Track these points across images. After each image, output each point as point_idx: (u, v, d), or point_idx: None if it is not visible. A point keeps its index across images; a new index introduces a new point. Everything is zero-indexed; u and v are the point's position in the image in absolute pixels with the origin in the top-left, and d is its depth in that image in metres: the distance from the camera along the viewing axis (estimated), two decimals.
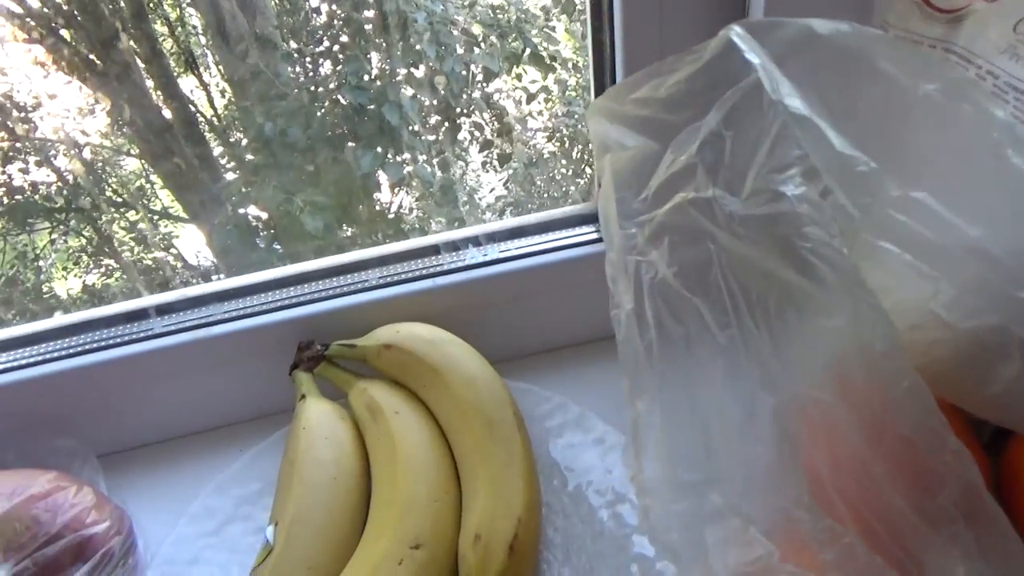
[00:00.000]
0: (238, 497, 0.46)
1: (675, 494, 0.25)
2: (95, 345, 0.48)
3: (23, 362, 0.48)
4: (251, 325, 0.49)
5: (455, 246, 0.53)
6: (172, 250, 2.27)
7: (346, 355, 0.49)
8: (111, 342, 0.48)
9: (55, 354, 0.48)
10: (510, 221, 0.54)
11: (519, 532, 0.38)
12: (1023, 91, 0.37)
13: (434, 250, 0.53)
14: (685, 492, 0.25)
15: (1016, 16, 0.36)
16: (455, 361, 0.46)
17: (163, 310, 0.50)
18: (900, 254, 0.28)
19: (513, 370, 0.53)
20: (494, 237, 0.53)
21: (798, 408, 0.28)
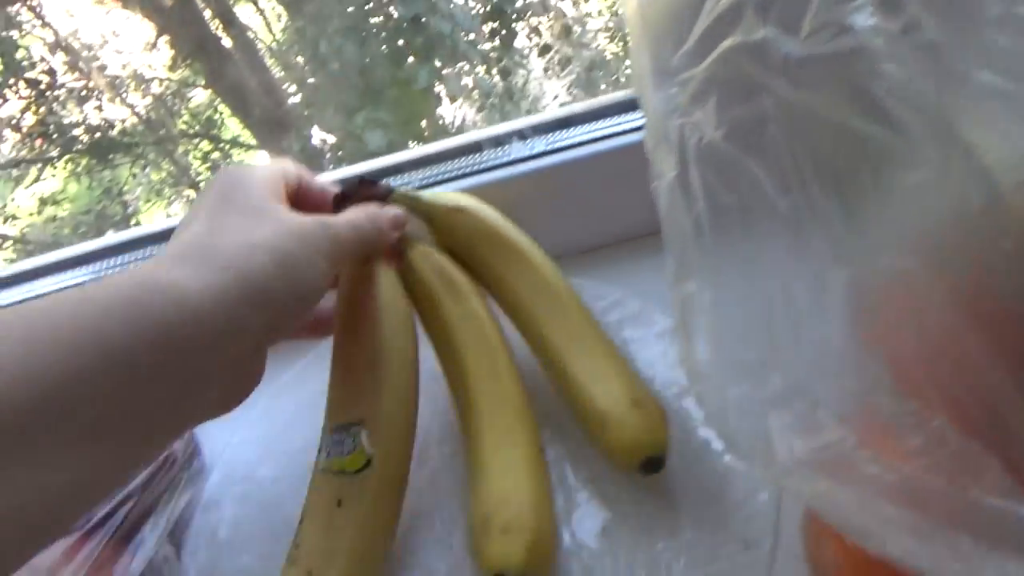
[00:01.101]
0: (300, 400, 0.46)
1: (732, 378, 0.22)
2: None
3: (85, 279, 0.49)
4: None
5: (499, 142, 0.49)
6: None
7: (410, 205, 0.42)
8: None
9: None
10: (557, 111, 0.50)
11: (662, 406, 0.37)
12: None
13: (476, 147, 0.50)
14: (743, 375, 0.22)
15: None
16: (532, 244, 0.42)
17: None
18: (1002, 86, 0.23)
19: (566, 267, 0.51)
20: (540, 129, 0.49)
21: (877, 281, 0.24)
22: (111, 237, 0.50)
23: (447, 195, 0.44)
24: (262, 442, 0.45)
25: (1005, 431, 0.23)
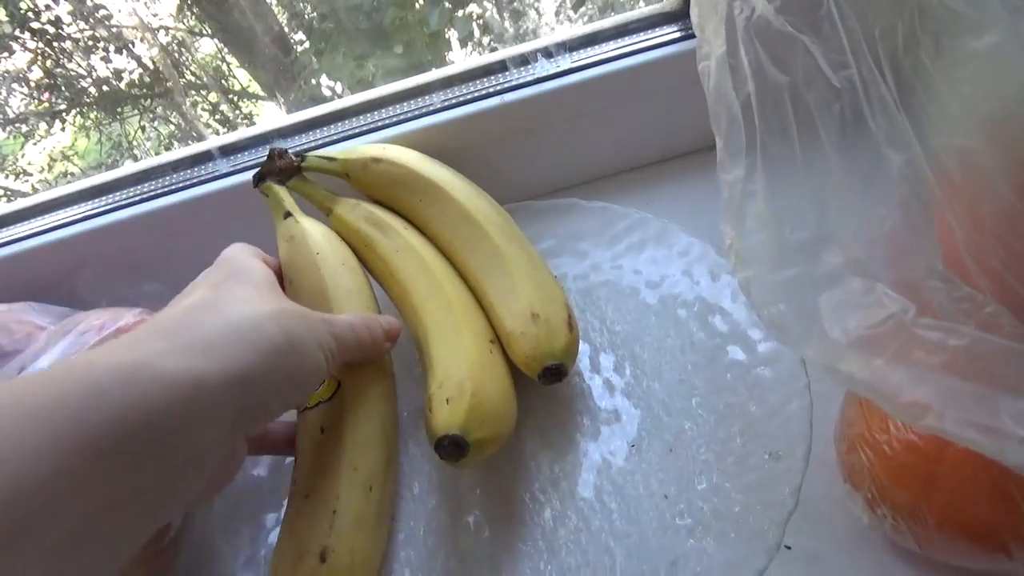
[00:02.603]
0: None
1: (782, 259, 0.21)
2: (164, 189, 0.48)
3: (100, 210, 0.49)
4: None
5: (524, 60, 0.48)
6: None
7: (324, 168, 0.44)
8: (179, 185, 0.47)
9: (129, 200, 0.48)
10: (583, 27, 0.48)
11: (571, 314, 0.39)
12: None
13: (501, 66, 0.48)
14: (794, 256, 0.21)
15: None
16: (450, 177, 0.43)
17: (226, 150, 0.48)
18: None
19: (589, 191, 0.50)
20: (566, 47, 0.48)
21: (933, 164, 0.23)
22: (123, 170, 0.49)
23: (362, 148, 0.44)
24: None
25: None
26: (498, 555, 0.36)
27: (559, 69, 0.47)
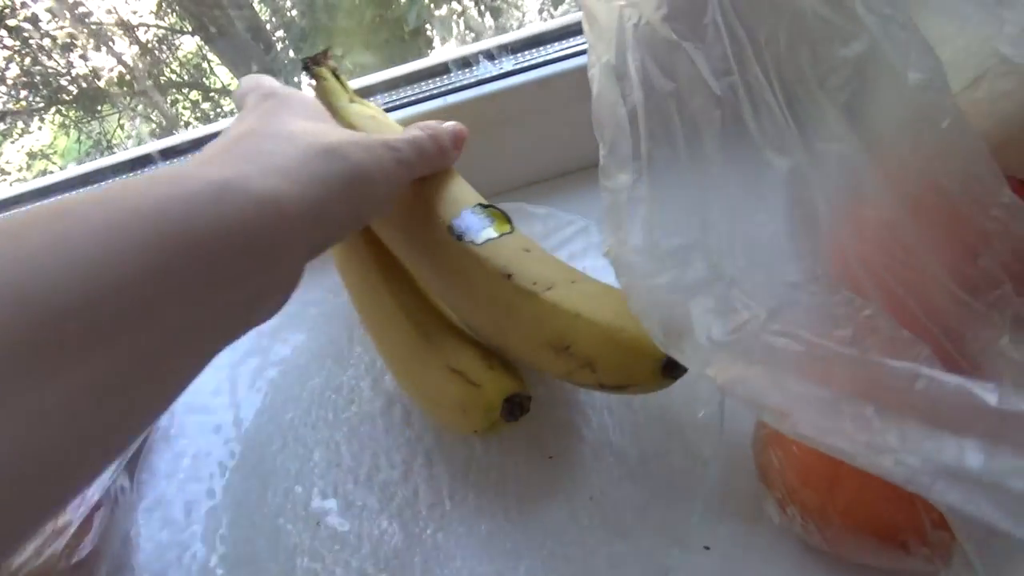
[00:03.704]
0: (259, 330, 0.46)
1: (659, 266, 0.22)
2: None
3: None
4: None
5: (467, 62, 0.48)
6: None
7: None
8: None
9: None
10: (528, 29, 0.48)
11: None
12: None
13: (444, 68, 0.48)
14: (666, 262, 0.21)
15: None
16: None
17: (168, 153, 0.48)
18: None
19: (533, 194, 0.50)
20: (508, 48, 0.48)
21: (816, 168, 0.23)
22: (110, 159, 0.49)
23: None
24: (220, 369, 0.45)
25: (938, 320, 0.23)
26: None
27: (502, 71, 0.47)
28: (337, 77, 0.43)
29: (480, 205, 0.36)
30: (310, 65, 0.43)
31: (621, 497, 0.36)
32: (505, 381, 0.35)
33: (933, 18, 0.27)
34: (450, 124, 0.37)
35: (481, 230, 0.35)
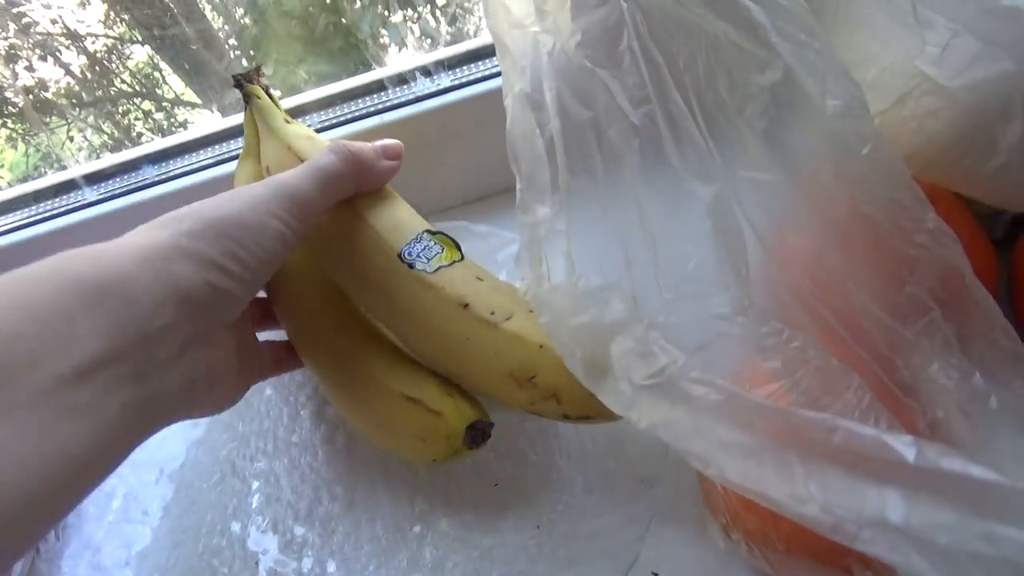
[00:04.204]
0: None
1: (576, 306, 0.21)
2: (27, 220, 0.45)
3: None
4: (189, 184, 0.45)
5: (403, 79, 0.47)
6: None
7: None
8: (43, 215, 0.45)
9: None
10: (466, 44, 0.47)
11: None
12: None
13: (379, 86, 0.47)
14: (587, 302, 0.21)
15: None
16: None
17: (92, 178, 0.46)
18: None
19: (473, 212, 0.49)
20: (444, 64, 0.47)
21: (740, 196, 0.23)
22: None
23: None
24: None
25: (868, 348, 0.22)
26: None
27: (439, 87, 0.46)
28: (270, 95, 0.42)
29: (428, 232, 0.35)
30: (242, 83, 0.41)
31: (568, 524, 0.35)
32: (466, 408, 0.34)
33: (857, 38, 0.27)
34: (382, 141, 0.36)
35: (432, 258, 0.34)
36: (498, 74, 0.46)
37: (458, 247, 0.35)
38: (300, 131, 0.40)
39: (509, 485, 0.37)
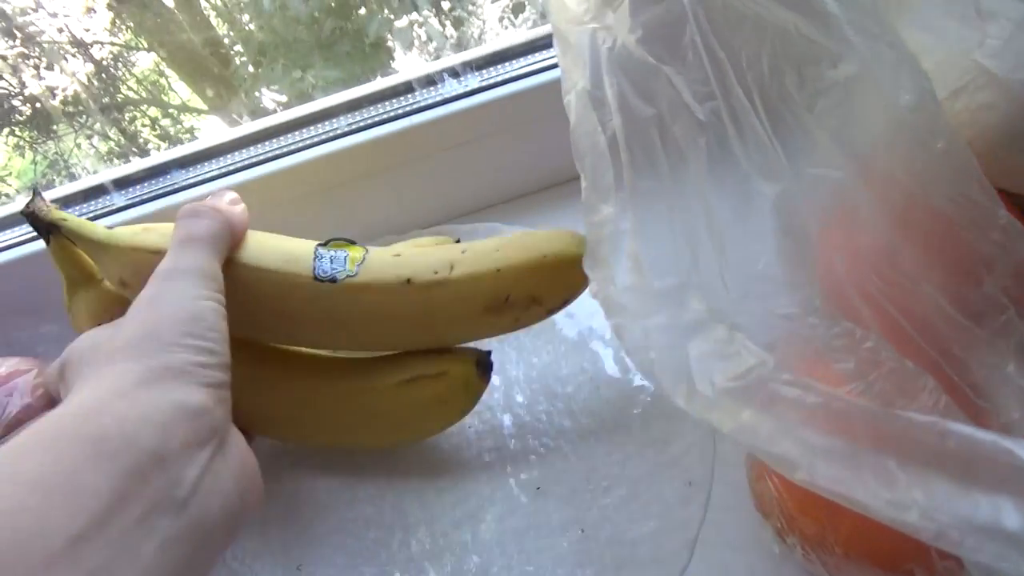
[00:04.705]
0: None
1: (651, 307, 0.20)
2: None
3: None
4: (217, 188, 0.45)
5: (431, 80, 0.47)
6: None
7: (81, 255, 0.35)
8: None
9: (22, 238, 0.46)
10: (493, 44, 0.47)
11: None
12: None
13: (407, 87, 0.47)
14: (662, 303, 0.20)
15: None
16: None
17: (121, 183, 0.46)
18: None
19: (505, 213, 0.48)
20: (472, 65, 0.46)
21: (806, 194, 0.22)
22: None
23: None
24: None
25: (940, 348, 0.22)
26: None
27: (468, 88, 0.45)
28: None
29: (319, 246, 0.34)
30: (36, 214, 0.33)
31: (614, 528, 0.34)
32: (457, 356, 0.35)
33: (911, 31, 0.26)
34: (214, 192, 0.34)
35: (344, 263, 0.33)
36: (525, 75, 0.45)
37: (351, 242, 0.35)
38: (129, 229, 0.34)
39: (551, 491, 0.36)
